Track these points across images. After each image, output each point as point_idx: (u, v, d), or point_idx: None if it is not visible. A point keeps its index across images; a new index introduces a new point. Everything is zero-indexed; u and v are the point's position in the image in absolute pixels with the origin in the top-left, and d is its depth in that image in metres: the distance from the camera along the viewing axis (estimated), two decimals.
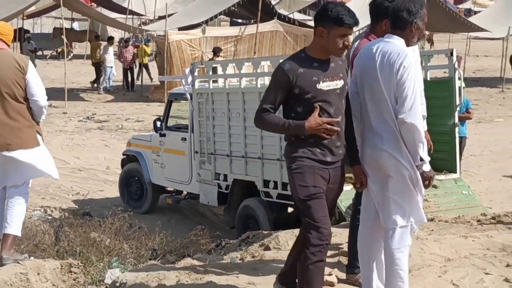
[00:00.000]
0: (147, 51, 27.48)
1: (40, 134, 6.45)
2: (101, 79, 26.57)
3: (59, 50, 36.68)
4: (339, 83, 4.71)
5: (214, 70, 10.26)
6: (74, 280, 6.40)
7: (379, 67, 4.72)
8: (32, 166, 6.33)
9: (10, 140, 6.22)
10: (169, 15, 25.77)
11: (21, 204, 6.39)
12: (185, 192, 11.42)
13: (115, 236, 7.96)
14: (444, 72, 9.21)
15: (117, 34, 44.89)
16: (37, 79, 6.38)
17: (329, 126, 4.58)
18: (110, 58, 26.43)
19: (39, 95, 6.33)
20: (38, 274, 6.10)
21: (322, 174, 4.72)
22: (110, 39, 27.54)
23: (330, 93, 4.66)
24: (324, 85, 4.65)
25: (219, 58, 19.52)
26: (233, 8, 27.12)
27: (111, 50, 26.89)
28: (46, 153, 6.50)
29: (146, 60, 27.06)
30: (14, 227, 6.27)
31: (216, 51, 20.53)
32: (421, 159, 4.75)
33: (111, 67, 26.39)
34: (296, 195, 4.76)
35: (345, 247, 6.16)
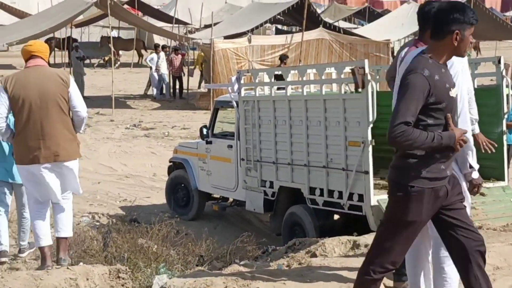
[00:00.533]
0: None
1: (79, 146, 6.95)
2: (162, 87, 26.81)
3: (106, 58, 37.17)
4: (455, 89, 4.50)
5: (278, 77, 10.30)
6: (122, 285, 6.46)
7: (400, 71, 4.66)
8: (72, 177, 6.87)
9: (58, 151, 6.66)
10: (215, 24, 25.93)
11: (68, 209, 6.94)
12: (231, 199, 11.45)
13: (162, 242, 8.02)
14: (491, 80, 9.12)
15: (163, 42, 45.37)
16: (78, 92, 6.89)
17: (465, 138, 4.33)
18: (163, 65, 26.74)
19: (81, 106, 6.82)
20: (87, 279, 6.18)
21: (441, 194, 4.38)
22: (164, 48, 27.91)
23: (455, 101, 4.45)
24: (453, 92, 4.40)
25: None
26: (279, 16, 27.21)
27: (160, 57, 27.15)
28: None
29: (200, 67, 27.09)
30: (67, 230, 6.89)
31: (283, 59, 20.27)
32: (471, 166, 4.70)
33: (161, 74, 26.67)
34: (401, 215, 4.37)
35: None
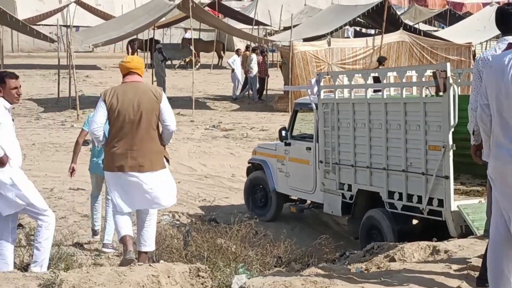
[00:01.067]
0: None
1: (167, 159, 7.21)
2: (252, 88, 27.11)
3: (187, 60, 37.68)
4: None
5: (376, 79, 10.30)
6: (202, 284, 6.55)
7: (511, 80, 4.63)
8: (161, 190, 7.10)
9: (143, 162, 7.00)
10: (294, 26, 25.98)
11: (153, 224, 7.28)
12: (309, 201, 11.49)
13: (241, 242, 8.11)
14: None
15: (242, 44, 45.72)
16: (169, 107, 7.17)
17: None
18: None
19: (170, 120, 7.11)
20: (168, 276, 6.30)
21: None
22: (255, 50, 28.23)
23: None
24: None
25: None
26: (358, 18, 27.05)
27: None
28: (170, 177, 7.26)
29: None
30: (150, 245, 7.27)
31: (381, 61, 19.96)
32: None
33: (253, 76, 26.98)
34: None
35: (473, 261, 6.06)
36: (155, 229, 7.34)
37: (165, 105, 7.09)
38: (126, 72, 7.21)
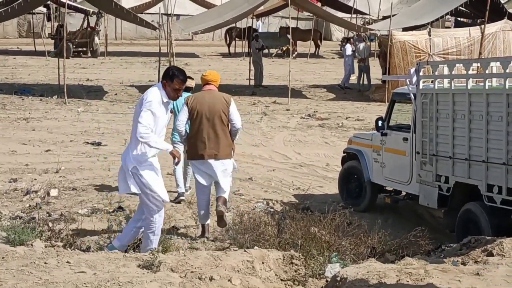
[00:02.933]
0: None
1: (233, 150, 9.32)
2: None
3: (284, 48, 37.75)
4: None
5: None
6: (295, 271, 6.59)
7: None
8: (229, 169, 9.26)
9: (217, 151, 9.10)
10: (393, 15, 25.61)
11: (227, 186, 9.25)
12: (404, 193, 11.33)
13: (335, 231, 8.08)
14: None
15: (340, 33, 45.47)
16: (236, 110, 9.24)
17: None
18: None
19: (237, 120, 9.20)
20: (263, 263, 6.37)
21: None
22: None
23: None
24: None
25: None
26: (460, 7, 26.39)
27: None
28: (232, 162, 9.35)
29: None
30: (226, 194, 9.20)
31: None
32: None
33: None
34: None
35: None
36: (229, 188, 9.34)
37: (233, 108, 9.15)
38: (205, 82, 9.37)
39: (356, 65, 27.48)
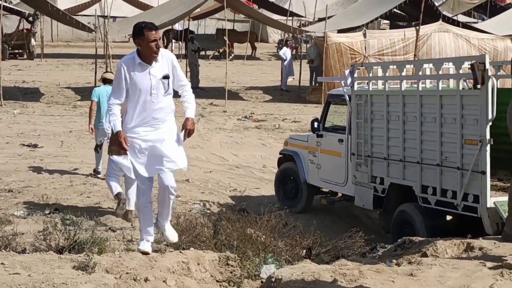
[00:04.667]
0: None
1: None
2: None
3: (221, 50, 37.69)
4: None
5: None
6: (231, 273, 6.54)
7: None
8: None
9: None
10: (329, 17, 25.79)
11: None
12: (340, 194, 11.38)
13: (271, 233, 8.04)
14: None
15: (276, 35, 45.62)
16: None
17: None
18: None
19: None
20: (198, 264, 6.31)
21: None
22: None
23: None
24: None
25: None
26: (395, 10, 26.76)
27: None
28: None
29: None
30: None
31: None
32: None
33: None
34: None
35: (509, 259, 5.93)
36: None
37: None
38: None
39: (295, 67, 27.62)
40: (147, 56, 6.53)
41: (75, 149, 15.87)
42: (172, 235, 6.98)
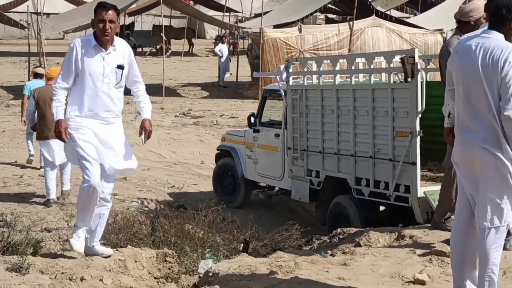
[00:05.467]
0: None
1: None
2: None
3: (158, 47, 37.48)
4: None
5: None
6: (169, 269, 6.58)
7: (481, 64, 4.63)
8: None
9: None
10: (265, 13, 25.93)
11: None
12: (277, 188, 11.50)
13: (209, 228, 8.11)
14: None
15: (213, 31, 45.58)
16: None
17: None
18: None
19: None
20: (135, 261, 6.32)
21: None
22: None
23: None
24: None
25: None
26: (329, 5, 27.06)
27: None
28: None
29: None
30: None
31: None
32: None
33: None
34: None
35: (437, 246, 6.12)
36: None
37: None
38: (49, 78, 11.22)
39: (232, 63, 27.71)
40: (99, 38, 6.08)
41: (9, 149, 15.62)
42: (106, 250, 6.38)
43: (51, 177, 11.17)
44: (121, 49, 6.22)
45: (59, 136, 6.10)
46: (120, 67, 6.19)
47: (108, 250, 6.37)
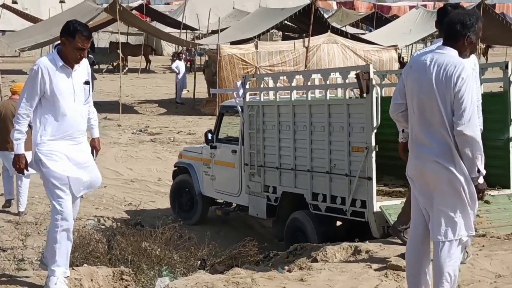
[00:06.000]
0: None
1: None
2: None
3: (114, 64, 37.29)
4: None
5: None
6: (125, 287, 6.52)
7: (435, 79, 4.69)
8: None
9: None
10: (222, 30, 25.98)
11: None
12: (234, 204, 11.48)
13: (166, 245, 8.05)
14: (500, 87, 9.10)
15: (171, 48, 45.52)
16: None
17: None
18: None
19: None
20: (91, 280, 6.25)
21: None
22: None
23: None
24: None
25: None
26: (286, 22, 27.25)
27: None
28: None
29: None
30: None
31: None
32: (479, 171, 4.71)
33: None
34: None
35: (393, 260, 6.17)
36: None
37: None
38: (13, 92, 11.55)
39: (189, 80, 27.68)
40: (68, 60, 5.86)
41: None
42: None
43: (9, 180, 11.66)
44: (83, 64, 6.07)
45: (18, 171, 5.97)
46: (87, 82, 6.05)
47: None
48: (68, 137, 5.88)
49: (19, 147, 5.88)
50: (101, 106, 25.17)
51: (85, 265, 7.04)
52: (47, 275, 5.90)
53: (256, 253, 8.31)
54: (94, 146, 6.32)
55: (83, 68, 6.04)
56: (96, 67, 33.78)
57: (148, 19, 36.55)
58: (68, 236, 5.88)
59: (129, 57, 38.98)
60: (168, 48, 47.13)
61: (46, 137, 5.84)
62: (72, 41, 5.82)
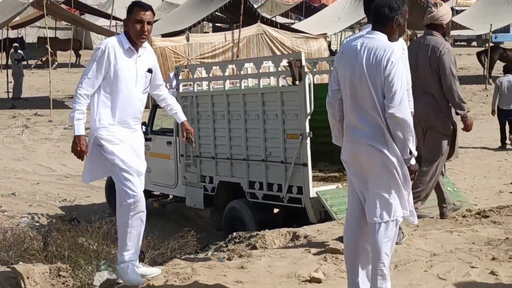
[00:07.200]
0: None
1: None
2: None
3: (43, 59, 36.61)
4: None
5: None
6: (63, 283, 6.41)
7: (365, 64, 4.74)
8: None
9: None
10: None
11: None
12: (171, 196, 11.43)
13: (103, 240, 7.97)
14: None
15: (100, 41, 44.87)
16: None
17: None
18: None
19: None
20: (28, 278, 6.13)
21: None
22: None
23: None
24: None
25: None
26: (216, 13, 27.18)
27: None
28: None
29: None
30: None
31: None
32: (410, 152, 4.79)
33: None
34: None
35: (331, 244, 6.23)
36: None
37: None
38: None
39: None
40: (133, 40, 5.52)
41: None
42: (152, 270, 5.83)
43: None
44: (149, 52, 5.78)
45: (77, 154, 5.62)
46: (150, 71, 5.72)
47: (153, 270, 5.86)
48: (124, 123, 5.61)
49: (80, 127, 5.50)
50: (31, 102, 24.79)
51: (20, 263, 6.92)
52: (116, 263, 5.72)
53: (195, 244, 8.30)
54: (187, 129, 6.08)
55: (147, 55, 5.72)
56: (25, 63, 33.11)
57: (77, 12, 35.95)
58: (142, 219, 5.78)
59: (58, 52, 38.33)
60: (98, 42, 46.50)
61: (105, 121, 5.55)
62: (130, 17, 5.55)
